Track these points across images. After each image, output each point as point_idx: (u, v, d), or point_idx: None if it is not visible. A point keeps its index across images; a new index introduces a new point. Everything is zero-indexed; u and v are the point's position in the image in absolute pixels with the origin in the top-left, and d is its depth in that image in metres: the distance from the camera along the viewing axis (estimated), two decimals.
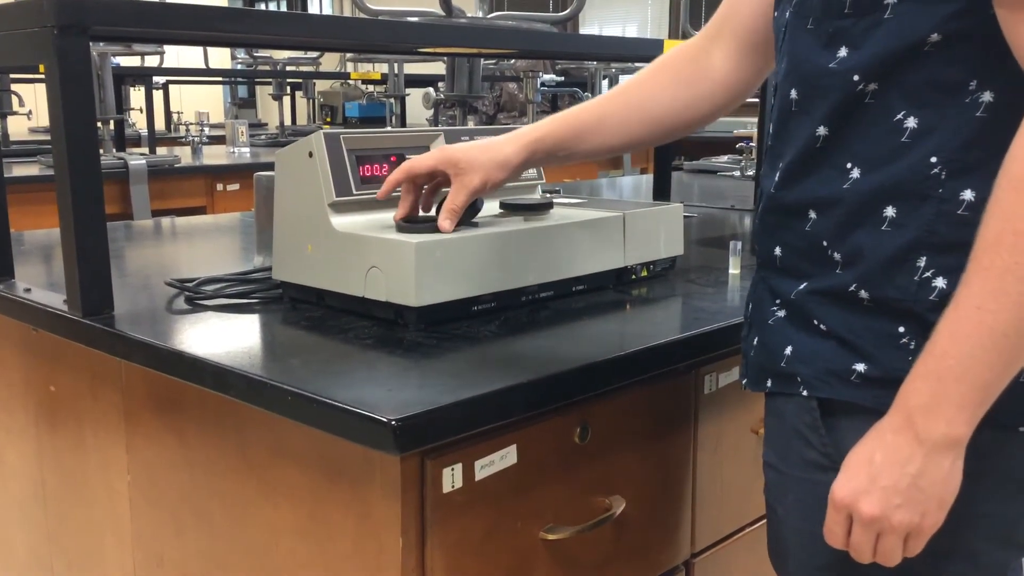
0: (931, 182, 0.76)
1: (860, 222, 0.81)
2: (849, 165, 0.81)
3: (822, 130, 0.83)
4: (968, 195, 0.75)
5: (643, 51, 1.98)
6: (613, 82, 5.61)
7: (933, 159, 0.76)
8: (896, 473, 0.74)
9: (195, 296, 1.23)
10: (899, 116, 0.77)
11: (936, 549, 0.78)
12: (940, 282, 0.77)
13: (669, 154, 2.12)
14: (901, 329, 0.79)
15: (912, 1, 0.75)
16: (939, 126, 0.76)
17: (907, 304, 0.78)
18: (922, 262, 0.77)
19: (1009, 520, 0.82)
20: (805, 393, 0.86)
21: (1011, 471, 0.80)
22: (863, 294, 0.81)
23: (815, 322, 0.85)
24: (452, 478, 0.87)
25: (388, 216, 1.15)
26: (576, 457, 1.00)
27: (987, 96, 0.74)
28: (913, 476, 0.74)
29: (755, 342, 0.92)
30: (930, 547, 0.77)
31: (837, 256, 0.83)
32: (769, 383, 0.90)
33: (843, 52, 0.80)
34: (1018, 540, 0.83)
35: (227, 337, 1.07)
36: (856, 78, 0.79)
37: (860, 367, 0.81)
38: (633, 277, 1.32)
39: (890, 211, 0.79)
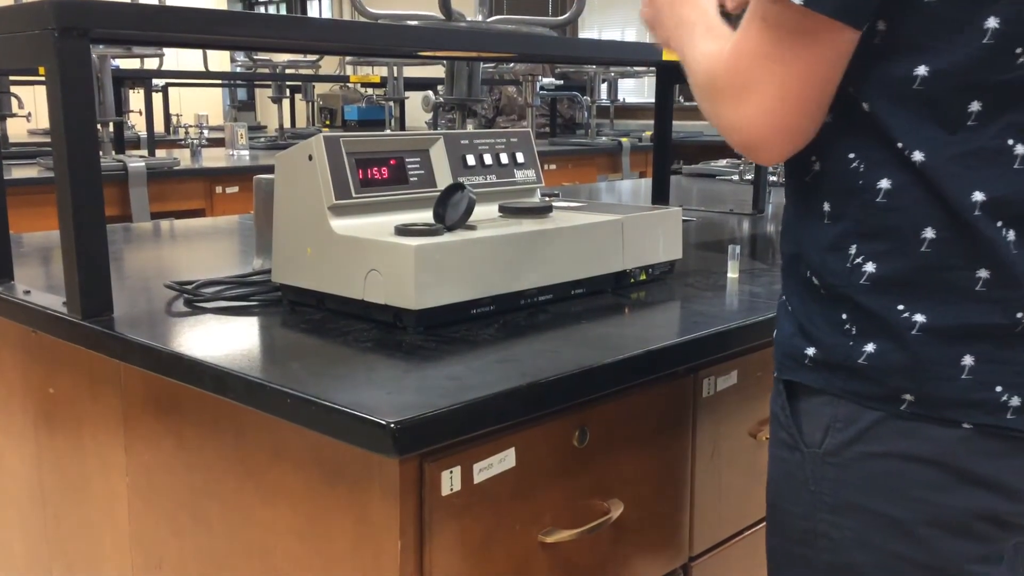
0: (852, 175, 0.83)
1: (808, 215, 0.88)
2: (813, 158, 0.87)
3: None
4: (885, 183, 0.81)
5: (642, 55, 1.99)
6: (612, 86, 5.63)
7: (851, 155, 0.82)
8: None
9: (194, 299, 1.23)
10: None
11: (877, 522, 0.84)
12: (870, 267, 0.83)
13: (668, 158, 2.12)
14: (844, 316, 0.85)
15: None
16: (849, 125, 0.83)
17: (843, 289, 0.84)
18: (853, 249, 0.84)
19: (958, 511, 0.84)
20: (775, 374, 0.93)
21: (960, 465, 0.83)
22: (816, 281, 0.87)
23: (788, 307, 0.92)
24: (451, 481, 0.87)
25: (388, 219, 1.16)
26: (574, 460, 1.00)
27: (865, 106, 0.81)
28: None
29: None
30: (871, 520, 0.85)
31: (798, 246, 0.90)
32: None
33: None
34: (976, 533, 0.84)
35: (226, 340, 1.07)
36: None
37: (810, 351, 0.88)
38: (632, 281, 1.33)
39: (827, 206, 0.86)
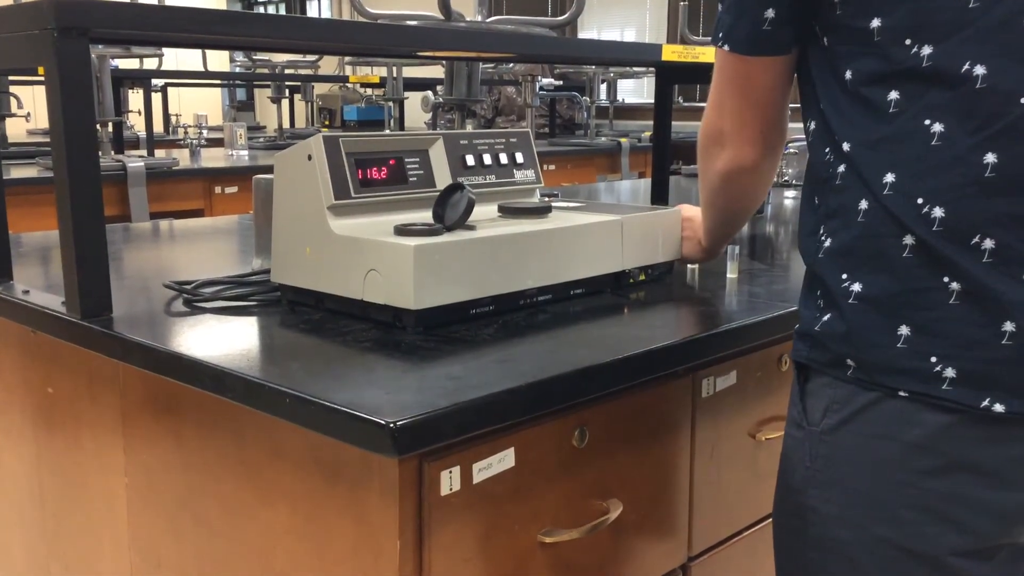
0: (825, 167, 0.92)
1: (804, 210, 0.97)
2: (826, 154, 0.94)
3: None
4: (841, 168, 0.89)
5: (641, 55, 1.99)
6: (611, 86, 5.63)
7: (826, 150, 0.91)
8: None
9: (193, 298, 1.23)
10: (808, 122, 0.96)
11: (861, 501, 0.88)
12: (827, 242, 0.91)
13: (667, 158, 2.12)
14: (818, 292, 0.93)
15: None
16: (820, 125, 0.93)
17: (814, 267, 0.93)
18: (821, 229, 0.92)
19: (941, 496, 0.85)
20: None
21: (947, 450, 0.84)
22: (805, 264, 0.96)
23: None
24: (450, 481, 0.87)
25: (387, 219, 1.16)
26: (574, 460, 1.00)
27: (822, 106, 0.92)
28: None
29: None
30: (856, 499, 0.89)
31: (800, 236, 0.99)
32: None
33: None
34: (961, 523, 0.85)
35: (225, 339, 1.07)
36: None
37: (796, 326, 0.96)
38: (631, 281, 1.33)
39: (815, 198, 0.94)
